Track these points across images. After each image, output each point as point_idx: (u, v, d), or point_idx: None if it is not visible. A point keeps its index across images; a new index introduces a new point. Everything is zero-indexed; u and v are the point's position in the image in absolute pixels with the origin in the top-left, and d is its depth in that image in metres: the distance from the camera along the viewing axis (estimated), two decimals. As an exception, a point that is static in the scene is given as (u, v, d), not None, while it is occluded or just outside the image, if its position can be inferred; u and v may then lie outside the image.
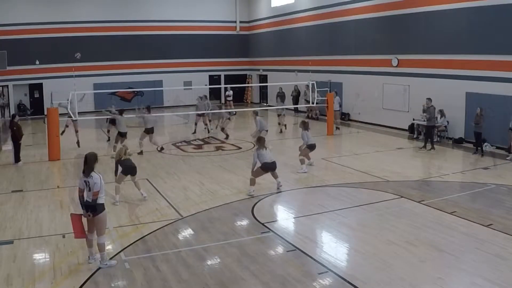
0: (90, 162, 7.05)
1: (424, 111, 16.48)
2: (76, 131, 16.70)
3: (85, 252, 7.39)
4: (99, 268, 7.03)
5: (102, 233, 7.11)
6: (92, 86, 27.36)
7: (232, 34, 32.41)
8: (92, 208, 6.96)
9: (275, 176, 11.18)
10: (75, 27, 27.58)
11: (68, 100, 15.06)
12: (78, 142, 16.70)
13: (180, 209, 9.91)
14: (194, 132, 19.52)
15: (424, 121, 17.77)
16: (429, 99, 15.79)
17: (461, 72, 16.82)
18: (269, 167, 10.97)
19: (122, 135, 15.56)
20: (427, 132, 16.05)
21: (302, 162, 13.05)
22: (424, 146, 15.87)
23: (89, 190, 6.96)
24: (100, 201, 6.99)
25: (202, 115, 19.41)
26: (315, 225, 9.02)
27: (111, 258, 7.33)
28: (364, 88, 21.72)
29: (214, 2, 31.48)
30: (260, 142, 10.98)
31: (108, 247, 7.80)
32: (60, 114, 15.25)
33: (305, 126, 13.36)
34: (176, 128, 22.70)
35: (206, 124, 19.81)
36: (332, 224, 9.00)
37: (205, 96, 20.15)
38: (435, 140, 17.22)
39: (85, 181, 7.01)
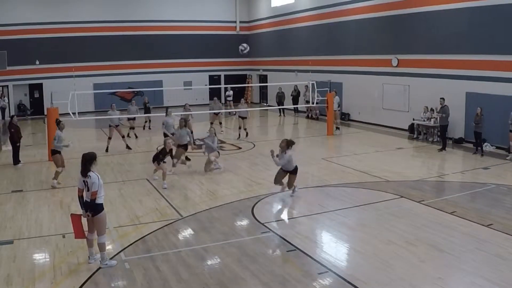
0: (86, 162, 7.04)
1: (438, 111, 16.38)
2: (123, 136, 16.80)
3: (85, 252, 7.39)
4: (99, 268, 7.02)
5: (102, 232, 7.11)
6: (92, 86, 27.38)
7: (232, 34, 32.41)
8: (91, 208, 6.96)
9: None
10: (75, 27, 27.60)
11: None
12: (127, 146, 16.77)
13: (180, 209, 9.91)
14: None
15: (424, 121, 17.81)
16: (443, 98, 15.71)
17: (461, 72, 16.82)
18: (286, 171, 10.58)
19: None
20: (442, 132, 15.97)
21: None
22: (444, 148, 15.66)
23: (88, 190, 6.97)
24: (99, 201, 6.98)
25: (217, 115, 19.88)
26: (315, 225, 9.02)
27: (111, 258, 7.33)
28: (364, 88, 21.72)
29: (214, 2, 31.50)
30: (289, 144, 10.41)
31: (108, 247, 7.80)
32: (60, 114, 15.25)
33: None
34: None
35: (220, 123, 20.38)
36: (332, 224, 9.00)
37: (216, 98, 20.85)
38: (435, 140, 17.25)
39: (83, 181, 7.01)
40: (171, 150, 12.41)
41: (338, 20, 23.24)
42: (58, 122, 12.46)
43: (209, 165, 12.96)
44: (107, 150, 16.15)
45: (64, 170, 12.11)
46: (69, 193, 10.99)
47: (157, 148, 14.85)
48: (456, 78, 16.99)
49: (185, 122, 13.79)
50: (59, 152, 11.89)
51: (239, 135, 18.85)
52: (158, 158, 11.93)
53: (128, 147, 16.67)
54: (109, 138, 16.54)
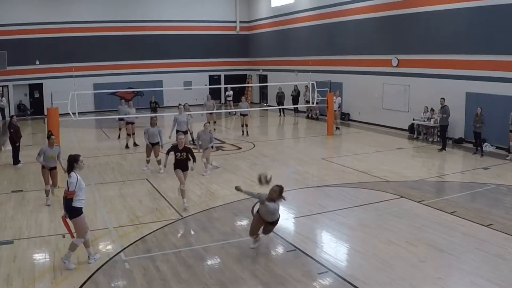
0: (68, 162, 7.15)
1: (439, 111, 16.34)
2: (133, 133, 17.07)
3: (85, 252, 7.38)
4: (99, 268, 7.03)
5: (79, 236, 7.11)
6: (92, 86, 27.37)
7: (232, 34, 32.41)
8: (67, 209, 6.98)
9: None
10: (75, 27, 27.59)
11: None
12: (134, 143, 17.12)
13: (180, 209, 9.90)
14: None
15: (424, 121, 17.80)
16: (443, 99, 15.68)
17: (461, 72, 16.82)
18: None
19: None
20: (442, 132, 15.94)
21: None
22: (444, 148, 15.64)
23: (68, 189, 7.00)
24: (76, 204, 6.96)
25: (210, 114, 19.86)
26: (315, 225, 9.02)
27: (111, 258, 7.34)
28: (364, 88, 21.71)
29: (214, 2, 31.49)
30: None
31: (108, 247, 7.83)
32: (60, 114, 15.25)
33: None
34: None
35: (214, 122, 20.32)
36: (332, 224, 9.00)
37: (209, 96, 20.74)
38: (435, 140, 17.25)
39: (67, 181, 7.06)
40: (186, 148, 10.47)
41: (338, 20, 23.24)
42: (49, 136, 10.79)
43: (206, 167, 12.91)
44: (127, 147, 16.88)
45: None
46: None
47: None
48: (456, 78, 16.98)
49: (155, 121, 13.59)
50: (44, 167, 10.43)
51: (243, 132, 19.14)
52: (182, 164, 10.18)
53: (135, 144, 16.95)
54: (128, 135, 17.00)
